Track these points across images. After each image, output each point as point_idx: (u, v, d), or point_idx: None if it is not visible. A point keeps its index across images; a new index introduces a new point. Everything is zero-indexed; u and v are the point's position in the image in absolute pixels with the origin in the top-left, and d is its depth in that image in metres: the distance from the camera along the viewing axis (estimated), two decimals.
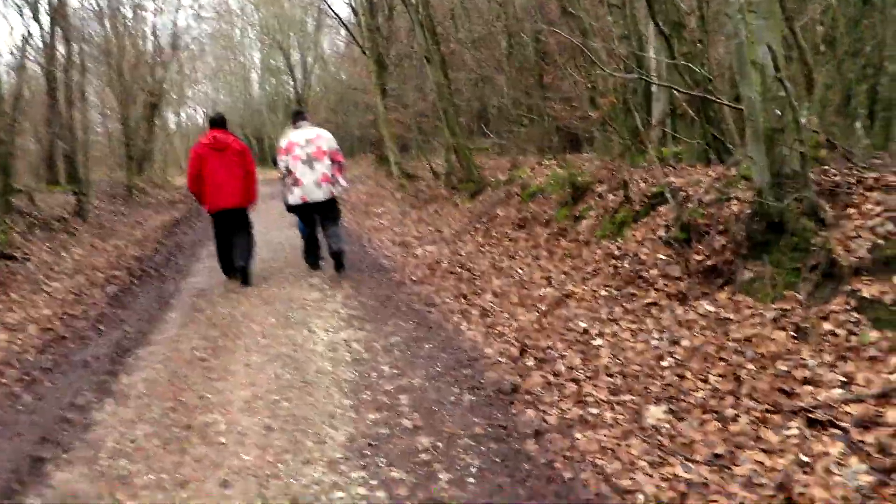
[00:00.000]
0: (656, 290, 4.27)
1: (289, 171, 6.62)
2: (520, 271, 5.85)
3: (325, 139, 6.74)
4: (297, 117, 7.10)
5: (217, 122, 6.87)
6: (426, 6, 9.78)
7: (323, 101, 36.26)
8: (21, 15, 10.80)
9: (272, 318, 5.32)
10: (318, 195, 6.57)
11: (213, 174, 6.55)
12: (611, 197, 6.04)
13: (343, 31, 24.32)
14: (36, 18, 14.28)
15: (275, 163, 7.08)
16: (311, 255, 7.19)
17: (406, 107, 16.81)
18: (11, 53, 11.55)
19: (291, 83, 34.51)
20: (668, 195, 4.90)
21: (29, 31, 10.40)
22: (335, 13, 19.31)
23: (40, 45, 15.22)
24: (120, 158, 19.29)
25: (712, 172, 5.20)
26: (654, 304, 4.14)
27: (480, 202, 9.19)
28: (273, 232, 10.04)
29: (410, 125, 17.52)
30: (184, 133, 48.05)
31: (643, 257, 4.71)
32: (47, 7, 14.18)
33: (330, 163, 6.64)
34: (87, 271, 8.22)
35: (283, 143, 6.88)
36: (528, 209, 7.39)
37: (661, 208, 5.17)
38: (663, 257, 4.52)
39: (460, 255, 7.08)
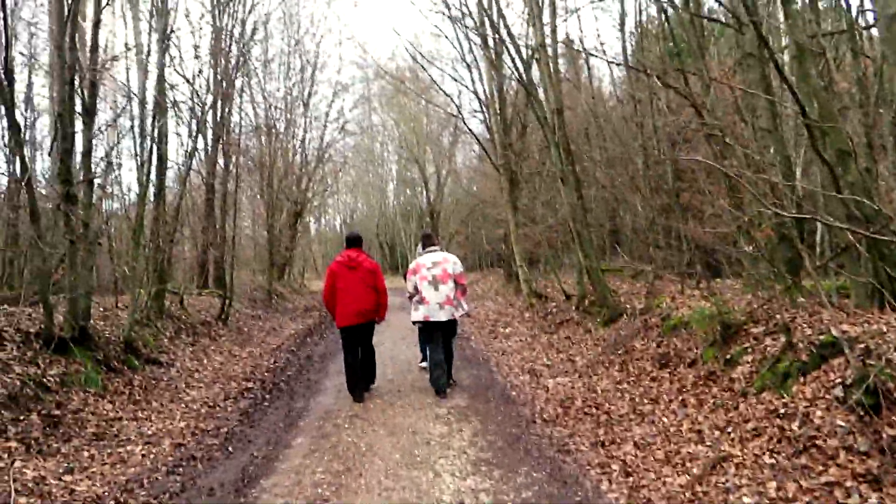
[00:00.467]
0: (838, 465, 3.64)
1: (416, 290, 7.13)
2: (665, 420, 5.31)
3: (451, 263, 7.19)
4: (426, 241, 7.60)
5: (352, 241, 7.23)
6: (562, 126, 9.81)
7: (453, 213, 37.40)
8: (189, 131, 12.03)
9: (397, 454, 5.08)
10: (441, 316, 7.00)
11: (345, 291, 6.90)
12: (769, 340, 5.44)
13: (476, 147, 25.21)
14: (201, 133, 15.86)
15: (404, 277, 7.70)
16: (437, 379, 7.26)
17: (536, 222, 16.83)
18: (178, 166, 12.81)
19: (425, 194, 35.89)
20: (846, 348, 4.30)
21: (195, 146, 11.40)
22: (470, 130, 20.03)
23: (202, 157, 16.86)
24: (263, 264, 20.45)
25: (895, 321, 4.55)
26: (837, 483, 3.51)
27: (615, 330, 8.71)
28: (401, 348, 10.02)
29: (540, 241, 17.45)
30: (322, 239, 51.15)
31: (817, 421, 4.09)
32: (212, 122, 15.73)
33: (454, 286, 7.08)
34: (223, 381, 8.47)
35: (412, 264, 7.39)
36: (670, 344, 6.85)
37: (835, 361, 4.54)
38: (843, 424, 3.88)
39: (595, 392, 6.62)
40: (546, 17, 10.39)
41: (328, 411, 6.63)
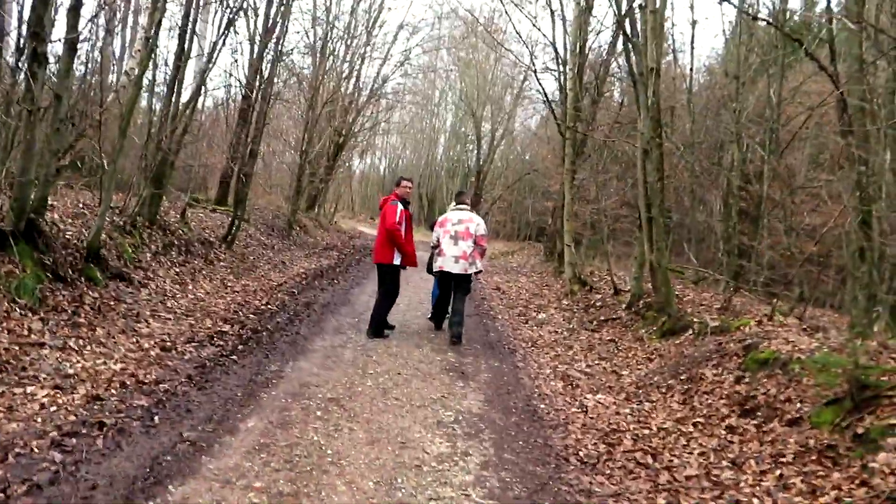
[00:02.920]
0: None
1: (438, 242, 7.59)
2: (755, 502, 3.72)
3: (476, 223, 7.54)
4: (458, 198, 8.06)
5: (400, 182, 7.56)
6: (656, 90, 8.02)
7: (501, 177, 35.55)
8: (223, 20, 10.44)
9: (370, 481, 3.58)
10: (454, 268, 7.39)
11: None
12: None
13: (538, 112, 23.33)
14: (232, 28, 14.35)
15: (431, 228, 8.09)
16: (437, 317, 8.15)
17: (588, 202, 15.09)
18: (204, 58, 11.13)
19: (476, 152, 34.04)
20: None
21: (225, 35, 9.77)
22: (541, 85, 18.07)
23: (245, 63, 15.37)
24: (285, 190, 19.05)
25: None
26: None
27: (676, 347, 7.07)
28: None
29: (587, 222, 15.73)
30: (364, 180, 49.65)
31: None
32: (261, 31, 14.18)
33: (472, 244, 7.43)
34: (197, 315, 7.07)
35: (440, 217, 7.87)
36: (759, 386, 5.20)
37: None
38: None
39: (648, 428, 5.03)
40: None
41: (304, 385, 5.17)
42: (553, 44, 14.28)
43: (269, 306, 8.24)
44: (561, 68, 14.26)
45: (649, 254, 8.45)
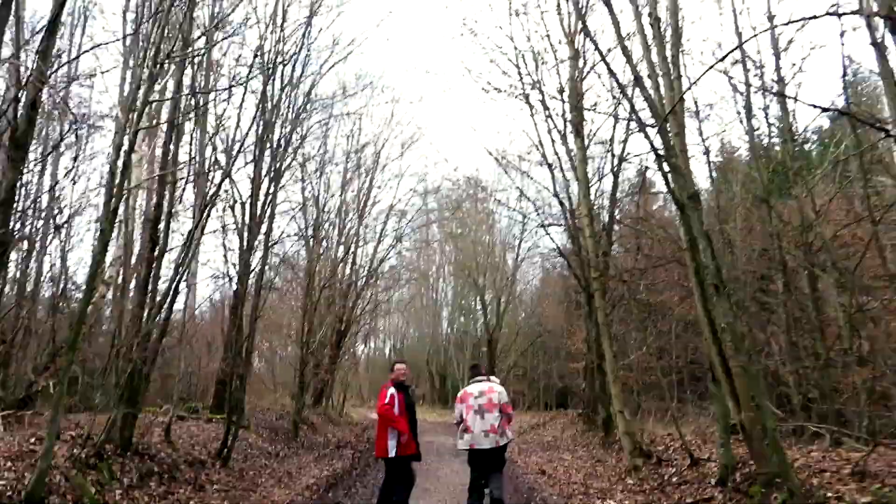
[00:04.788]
0: None
1: (462, 419, 7.25)
2: None
3: (497, 393, 7.25)
4: (474, 371, 7.99)
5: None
6: (699, 217, 6.84)
7: (513, 344, 34.02)
8: (199, 204, 9.55)
9: None
10: (485, 444, 7.02)
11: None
12: None
13: (548, 267, 22.38)
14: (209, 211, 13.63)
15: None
16: (473, 495, 7.35)
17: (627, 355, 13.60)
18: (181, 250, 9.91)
19: (482, 321, 32.75)
20: None
21: (201, 220, 8.66)
22: (553, 241, 17.08)
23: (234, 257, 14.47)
24: (290, 387, 17.44)
25: None
26: None
27: None
28: None
29: (630, 383, 14.07)
30: (371, 365, 47.79)
31: None
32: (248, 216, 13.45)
33: (499, 415, 7.10)
34: None
35: (460, 392, 7.58)
36: None
37: None
38: None
39: None
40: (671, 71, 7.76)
41: None
42: (556, 194, 13.54)
43: None
44: (568, 217, 13.39)
45: (736, 413, 6.83)
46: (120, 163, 6.20)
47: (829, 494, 5.60)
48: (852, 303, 9.13)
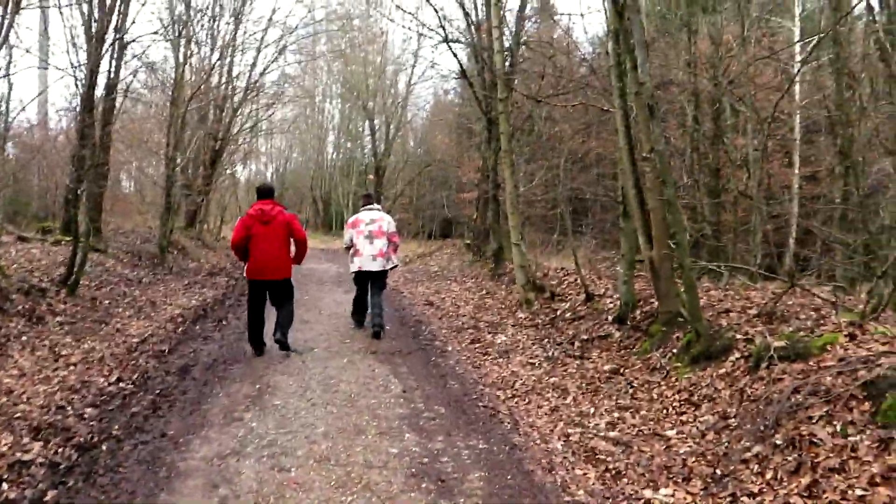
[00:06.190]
0: None
1: (352, 243, 7.82)
2: None
3: (387, 221, 7.89)
4: (366, 199, 8.31)
5: (264, 192, 6.88)
6: (637, 9, 5.87)
7: (400, 173, 33.08)
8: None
9: None
10: (373, 267, 7.67)
11: (256, 246, 6.58)
12: None
13: (432, 98, 20.99)
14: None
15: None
16: (357, 314, 8.15)
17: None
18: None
19: (370, 147, 31.33)
20: None
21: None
22: (461, 64, 15.58)
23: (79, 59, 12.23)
24: (159, 209, 15.81)
25: None
26: None
27: (724, 381, 4.97)
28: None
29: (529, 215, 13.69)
30: (251, 188, 45.65)
31: None
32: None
33: (387, 242, 7.77)
34: None
35: (351, 219, 8.07)
36: None
37: None
38: None
39: None
40: None
41: None
42: (462, 5, 12.07)
43: (122, 384, 5.51)
44: (474, 34, 12.06)
45: (647, 250, 6.37)
46: None
47: (739, 336, 5.31)
48: (761, 141, 8.76)
